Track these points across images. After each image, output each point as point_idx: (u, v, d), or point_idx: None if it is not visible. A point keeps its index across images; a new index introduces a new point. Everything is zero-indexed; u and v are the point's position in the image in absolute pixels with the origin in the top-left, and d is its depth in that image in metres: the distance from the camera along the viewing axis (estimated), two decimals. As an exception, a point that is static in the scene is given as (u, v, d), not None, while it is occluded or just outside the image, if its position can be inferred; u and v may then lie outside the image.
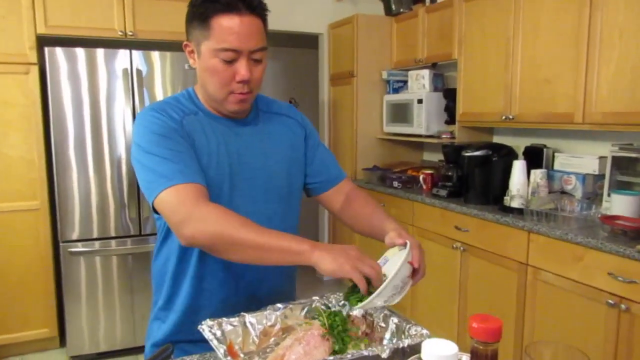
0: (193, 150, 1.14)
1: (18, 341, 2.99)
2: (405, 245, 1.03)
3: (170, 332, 1.25)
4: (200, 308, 1.22)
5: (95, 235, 2.97)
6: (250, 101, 1.21)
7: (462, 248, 2.82)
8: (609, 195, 2.37)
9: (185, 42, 1.18)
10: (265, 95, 1.37)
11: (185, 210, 1.02)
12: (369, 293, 0.94)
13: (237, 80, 1.12)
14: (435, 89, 3.56)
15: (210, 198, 1.13)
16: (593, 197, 2.53)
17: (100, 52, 2.88)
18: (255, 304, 1.09)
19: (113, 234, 3.00)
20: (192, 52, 1.17)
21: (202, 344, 1.12)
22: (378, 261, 1.03)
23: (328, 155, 1.41)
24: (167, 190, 1.04)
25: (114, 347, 3.06)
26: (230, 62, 1.11)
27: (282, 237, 1.02)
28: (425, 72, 3.54)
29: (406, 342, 0.89)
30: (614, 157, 2.41)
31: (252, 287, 1.23)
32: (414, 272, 1.01)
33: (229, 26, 1.08)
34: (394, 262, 1.00)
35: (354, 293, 0.99)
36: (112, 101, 2.93)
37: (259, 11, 1.13)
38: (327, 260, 0.96)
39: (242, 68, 1.11)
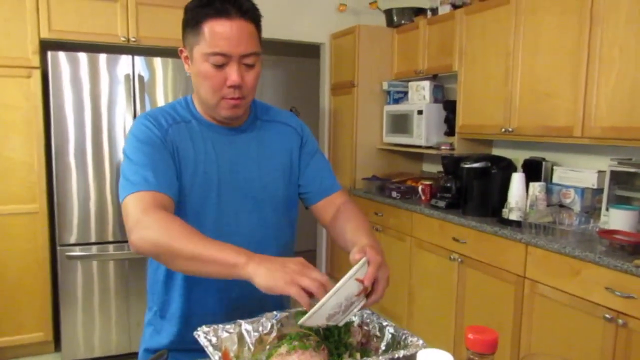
0: (173, 160, 1.15)
1: (13, 345, 2.98)
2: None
3: (163, 339, 1.24)
4: (192, 316, 1.22)
5: (92, 240, 2.96)
6: (244, 107, 1.19)
7: (459, 259, 2.82)
8: (607, 209, 2.38)
9: (180, 48, 1.19)
10: (266, 103, 1.36)
11: (134, 218, 1.03)
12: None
13: (227, 85, 1.12)
14: (436, 101, 3.58)
15: (197, 207, 1.17)
16: (591, 211, 2.54)
17: (102, 58, 2.89)
18: (248, 313, 1.06)
19: (111, 239, 2.99)
20: (187, 57, 1.18)
21: (195, 352, 1.12)
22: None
23: (323, 165, 1.37)
24: (129, 197, 1.06)
25: (109, 352, 3.05)
26: (220, 66, 1.11)
27: (220, 248, 0.96)
28: (426, 84, 3.56)
29: (402, 353, 0.89)
30: (612, 172, 2.41)
31: (244, 296, 1.19)
32: (370, 293, 0.92)
33: (220, 31, 1.08)
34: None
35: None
36: (113, 106, 2.94)
37: (251, 16, 1.12)
38: (261, 274, 0.89)
39: (232, 73, 1.11)
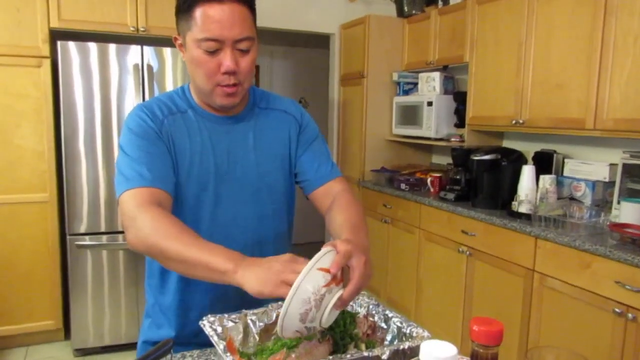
0: (169, 152, 1.13)
1: (23, 332, 3.02)
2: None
3: (162, 332, 1.23)
4: (189, 309, 1.21)
5: (102, 229, 2.98)
6: (240, 94, 1.15)
7: (468, 252, 2.80)
8: (618, 202, 2.35)
9: (174, 36, 1.16)
10: (267, 91, 1.33)
11: (129, 216, 1.02)
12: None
13: (222, 71, 1.09)
14: (446, 92, 3.54)
15: (194, 198, 1.16)
16: (602, 205, 2.51)
17: (112, 47, 2.90)
18: (248, 304, 1.00)
19: (120, 229, 3.01)
20: (181, 45, 1.15)
21: (194, 345, 1.12)
22: None
23: (321, 152, 1.31)
24: (125, 194, 1.05)
25: (118, 340, 3.08)
26: (213, 52, 1.08)
27: (209, 252, 0.93)
28: (436, 75, 3.53)
29: (407, 344, 0.88)
30: (624, 165, 2.38)
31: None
32: (347, 284, 0.85)
33: (211, 15, 1.05)
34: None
35: None
36: (122, 96, 2.94)
37: None
38: (250, 280, 0.85)
39: (226, 58, 1.08)
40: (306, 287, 0.79)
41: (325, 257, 0.83)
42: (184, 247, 0.94)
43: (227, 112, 1.20)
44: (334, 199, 1.22)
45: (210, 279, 0.94)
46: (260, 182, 1.22)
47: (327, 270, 0.81)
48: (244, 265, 0.88)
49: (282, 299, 0.82)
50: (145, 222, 0.99)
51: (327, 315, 0.82)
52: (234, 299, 1.08)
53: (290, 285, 0.80)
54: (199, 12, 1.06)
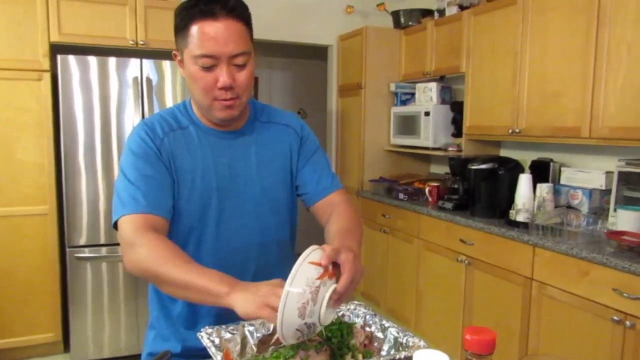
0: (169, 172, 1.15)
1: (23, 345, 3.01)
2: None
3: (167, 345, 1.24)
4: (198, 320, 1.22)
5: (102, 241, 2.99)
6: (239, 108, 1.16)
7: (467, 261, 2.81)
8: (615, 210, 2.36)
9: (174, 52, 1.18)
10: (267, 104, 1.35)
11: (126, 242, 1.06)
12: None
13: (218, 86, 1.10)
14: (443, 102, 3.57)
15: (197, 215, 1.17)
16: (599, 212, 2.52)
17: (112, 61, 2.93)
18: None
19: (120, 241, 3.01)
20: (180, 61, 1.16)
21: (200, 358, 1.13)
22: None
23: (322, 164, 1.33)
24: (122, 219, 1.08)
25: (118, 353, 3.07)
26: (209, 68, 1.09)
27: (203, 276, 0.96)
28: (433, 85, 3.55)
29: (403, 354, 0.89)
30: (620, 172, 2.40)
31: None
32: (340, 279, 0.87)
33: (206, 32, 1.07)
34: None
35: None
36: (122, 109, 2.97)
37: (239, 14, 1.10)
38: (239, 304, 0.90)
39: (222, 74, 1.09)
40: (300, 279, 0.82)
41: (314, 253, 0.87)
42: (179, 271, 0.98)
43: (229, 126, 1.21)
44: (333, 211, 1.24)
45: (204, 301, 0.98)
46: (262, 195, 1.23)
47: (319, 263, 0.85)
48: (238, 289, 0.92)
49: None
50: (141, 247, 1.03)
51: (325, 310, 0.84)
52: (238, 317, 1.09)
53: (273, 308, 0.84)
54: (194, 29, 1.07)
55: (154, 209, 1.09)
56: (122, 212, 1.08)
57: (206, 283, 0.95)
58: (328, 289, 0.85)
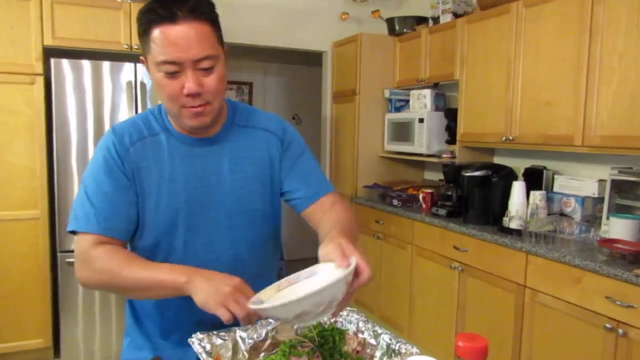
0: (132, 184, 1.10)
1: (12, 351, 2.98)
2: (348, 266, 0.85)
3: (140, 354, 1.22)
4: (169, 333, 1.20)
5: (93, 246, 2.96)
6: (211, 114, 1.09)
7: (460, 268, 2.81)
8: (607, 218, 2.37)
9: (141, 57, 1.11)
10: (251, 107, 1.27)
11: (80, 258, 1.07)
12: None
13: (184, 93, 1.03)
14: (437, 109, 3.58)
15: (164, 229, 1.12)
16: (592, 220, 2.53)
17: (105, 65, 2.92)
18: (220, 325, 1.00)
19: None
20: (148, 68, 1.09)
21: None
22: (302, 272, 0.95)
23: (310, 168, 1.25)
24: (76, 235, 1.08)
25: (108, 359, 3.04)
26: (174, 74, 1.02)
27: (159, 270, 1.01)
28: (427, 92, 3.57)
29: (395, 360, 0.89)
30: (613, 181, 2.41)
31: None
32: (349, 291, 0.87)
33: (165, 36, 0.99)
34: (322, 279, 0.86)
35: None
36: (115, 113, 2.96)
37: (202, 14, 1.02)
38: (198, 294, 0.95)
39: (187, 80, 1.02)
40: (327, 294, 0.79)
41: (352, 272, 0.84)
42: (135, 276, 1.01)
43: (202, 133, 1.14)
44: (327, 210, 1.18)
45: (168, 295, 1.01)
46: (236, 207, 1.17)
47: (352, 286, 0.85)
48: (198, 278, 0.96)
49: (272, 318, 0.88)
50: (97, 261, 1.04)
51: (313, 321, 0.86)
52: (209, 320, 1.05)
53: (229, 310, 0.91)
54: (154, 35, 1.01)
55: (105, 231, 1.07)
56: (75, 227, 1.08)
57: (163, 276, 0.99)
58: (331, 311, 0.84)
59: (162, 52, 1.01)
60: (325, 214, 1.17)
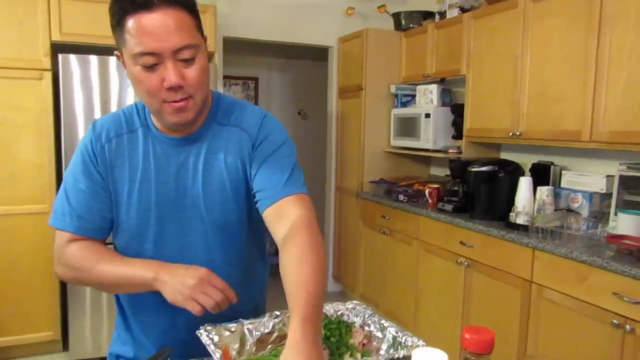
0: (105, 182, 1.08)
1: (22, 343, 3.01)
2: None
3: (124, 348, 1.23)
4: (149, 331, 1.19)
5: (101, 241, 2.98)
6: (194, 109, 1.02)
7: (466, 263, 2.80)
8: (615, 214, 2.36)
9: (116, 52, 1.04)
10: (237, 100, 1.18)
11: (55, 252, 1.09)
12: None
13: (165, 87, 0.96)
14: (443, 104, 3.57)
15: (135, 230, 1.10)
16: (600, 216, 2.52)
17: (112, 60, 2.93)
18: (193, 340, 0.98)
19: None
20: (124, 62, 1.03)
21: None
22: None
23: (279, 165, 1.08)
24: (56, 231, 1.09)
25: (115, 352, 3.06)
26: (152, 67, 0.95)
27: (128, 266, 1.03)
28: (434, 87, 3.56)
29: (401, 353, 0.89)
30: (621, 176, 2.39)
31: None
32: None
33: (141, 26, 0.93)
34: None
35: None
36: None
37: (178, 1, 0.95)
38: (166, 290, 0.97)
39: (168, 73, 0.95)
40: None
41: None
42: (105, 271, 1.03)
43: (182, 131, 1.08)
44: (288, 232, 0.99)
45: (139, 290, 1.03)
46: (209, 213, 1.10)
47: None
48: (163, 273, 0.98)
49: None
50: (67, 260, 1.07)
51: None
52: (186, 330, 1.04)
53: (198, 302, 0.94)
54: (129, 25, 0.94)
55: (78, 230, 1.07)
56: (53, 223, 1.09)
57: (132, 272, 1.01)
58: None
59: (138, 43, 0.94)
60: (286, 248, 0.97)
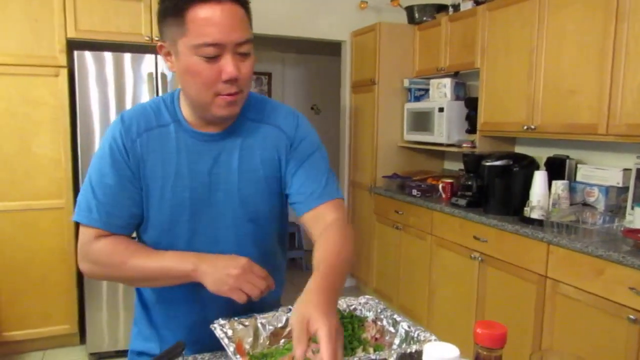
0: (135, 180, 1.07)
1: (39, 336, 3.07)
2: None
3: (147, 345, 1.23)
4: (175, 328, 1.19)
5: (117, 235, 3.02)
6: (241, 103, 1.05)
7: (480, 258, 2.79)
8: (632, 208, 2.33)
9: (159, 43, 1.04)
10: (266, 98, 1.20)
11: (80, 249, 1.07)
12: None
13: (223, 79, 0.97)
14: (457, 98, 3.54)
15: (167, 225, 1.09)
16: (616, 210, 2.48)
17: (127, 57, 2.96)
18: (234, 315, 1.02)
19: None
20: (168, 54, 1.03)
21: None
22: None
23: (316, 171, 1.13)
24: (80, 226, 1.08)
25: (132, 345, 3.10)
26: (213, 58, 0.96)
27: (164, 259, 1.03)
28: (447, 81, 3.53)
29: (414, 348, 0.89)
30: (638, 170, 2.36)
31: (227, 305, 1.02)
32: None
33: (208, 17, 0.93)
34: None
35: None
36: (137, 104, 2.99)
37: None
38: (208, 280, 0.98)
39: (228, 65, 0.96)
40: None
41: None
42: (140, 266, 1.03)
43: (216, 126, 1.09)
44: (322, 230, 1.07)
45: (176, 282, 1.04)
46: (242, 207, 1.11)
47: None
48: (204, 264, 0.99)
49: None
50: (97, 256, 1.06)
51: None
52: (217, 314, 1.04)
53: (244, 291, 0.96)
54: (193, 15, 0.94)
55: (105, 226, 1.06)
56: (78, 218, 1.07)
57: (169, 265, 1.01)
58: None
59: (203, 34, 0.94)
60: (321, 237, 1.05)
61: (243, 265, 0.98)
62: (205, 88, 0.99)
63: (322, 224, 1.08)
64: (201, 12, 0.94)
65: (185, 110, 1.09)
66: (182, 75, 1.01)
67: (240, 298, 0.97)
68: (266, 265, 1.16)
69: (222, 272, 0.97)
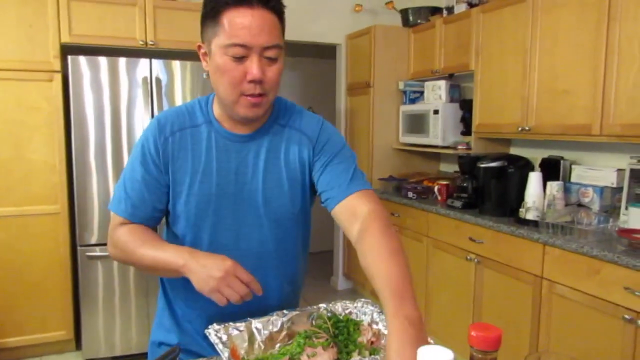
0: (162, 176, 1.14)
1: (35, 343, 3.05)
2: None
3: (168, 336, 1.26)
4: (195, 320, 1.22)
5: (112, 240, 3.01)
6: (265, 106, 1.10)
7: (476, 260, 2.79)
8: (626, 208, 2.33)
9: (198, 44, 1.12)
10: (295, 105, 1.26)
11: (109, 234, 1.17)
12: None
13: (248, 79, 1.04)
14: (452, 100, 3.55)
15: (193, 220, 1.16)
16: (611, 210, 2.49)
17: (122, 61, 2.95)
18: (249, 314, 1.06)
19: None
20: (205, 54, 1.11)
21: (194, 354, 1.18)
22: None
23: (344, 167, 1.17)
24: (111, 213, 1.18)
25: (129, 351, 3.10)
26: (240, 59, 1.03)
27: (163, 251, 1.07)
28: (442, 83, 3.54)
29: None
30: (632, 170, 2.37)
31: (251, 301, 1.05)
32: None
33: (239, 20, 1.01)
34: None
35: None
36: (132, 109, 2.99)
37: (274, 6, 1.05)
38: (193, 278, 1.00)
39: (253, 66, 1.03)
40: None
41: None
42: (146, 253, 1.08)
43: (245, 128, 1.15)
44: (361, 226, 1.04)
45: (170, 275, 1.09)
46: (265, 207, 1.17)
47: None
48: (191, 261, 1.01)
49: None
50: (117, 240, 1.14)
51: None
52: (235, 310, 1.06)
53: (223, 294, 0.97)
54: (226, 18, 1.02)
55: (130, 217, 1.15)
56: (110, 208, 1.17)
57: (165, 257, 1.05)
58: None
59: (233, 35, 1.02)
60: (365, 242, 1.01)
61: (227, 268, 0.99)
62: (231, 87, 1.06)
63: (357, 219, 1.06)
64: (234, 15, 1.02)
65: (218, 112, 1.17)
66: (214, 74, 1.09)
67: (220, 300, 0.98)
68: (285, 269, 1.24)
69: (206, 273, 0.99)
